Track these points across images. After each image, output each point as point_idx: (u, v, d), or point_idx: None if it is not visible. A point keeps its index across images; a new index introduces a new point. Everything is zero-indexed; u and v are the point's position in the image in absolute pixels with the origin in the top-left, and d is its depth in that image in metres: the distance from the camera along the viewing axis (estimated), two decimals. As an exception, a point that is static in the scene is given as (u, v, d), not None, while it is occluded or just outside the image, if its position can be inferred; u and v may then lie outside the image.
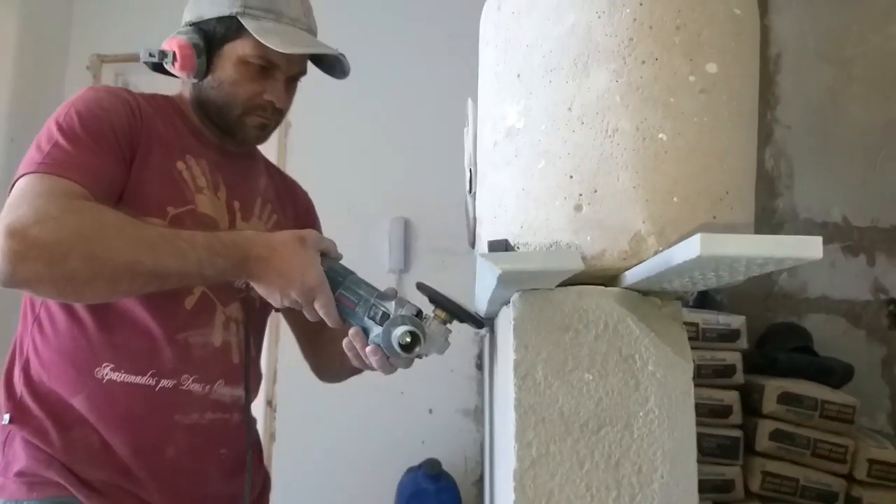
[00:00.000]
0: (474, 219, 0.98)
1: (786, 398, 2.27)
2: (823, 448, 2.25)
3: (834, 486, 2.24)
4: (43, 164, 0.95)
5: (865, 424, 2.49)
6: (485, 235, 0.83)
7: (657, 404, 0.70)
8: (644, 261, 0.72)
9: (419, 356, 1.00)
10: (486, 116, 0.86)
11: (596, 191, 0.74)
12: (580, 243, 0.74)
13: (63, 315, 1.05)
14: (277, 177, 1.33)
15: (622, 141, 0.73)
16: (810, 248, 0.49)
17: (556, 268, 0.57)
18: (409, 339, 0.95)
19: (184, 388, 1.06)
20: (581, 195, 0.74)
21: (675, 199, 0.73)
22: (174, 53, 1.12)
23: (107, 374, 1.03)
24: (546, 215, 0.76)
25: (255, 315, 1.15)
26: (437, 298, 0.98)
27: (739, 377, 2.32)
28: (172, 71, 1.14)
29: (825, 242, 2.62)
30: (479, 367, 2.71)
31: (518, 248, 0.77)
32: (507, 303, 0.80)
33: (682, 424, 0.70)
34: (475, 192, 0.97)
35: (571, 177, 0.75)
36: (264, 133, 1.19)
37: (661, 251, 0.73)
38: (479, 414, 2.70)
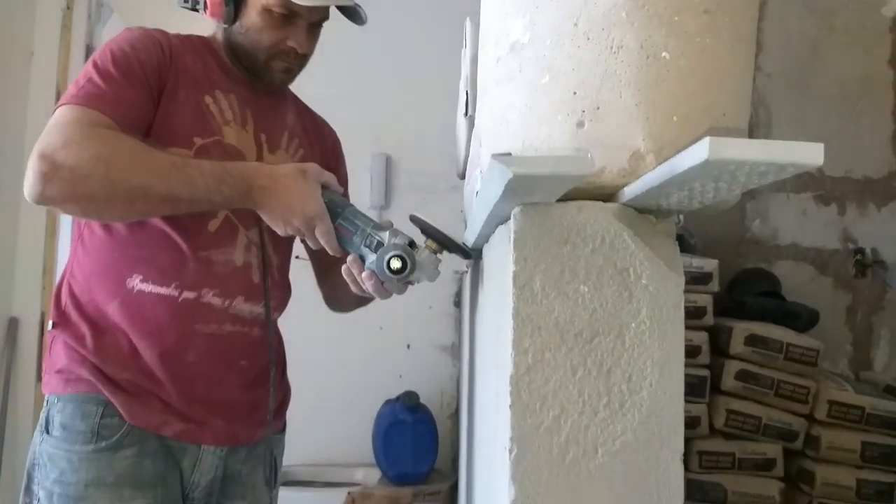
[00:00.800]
0: (467, 145, 0.99)
1: (752, 340, 2.34)
2: (786, 389, 2.33)
3: (794, 426, 2.34)
4: (76, 97, 1.05)
5: (828, 368, 2.58)
6: (486, 152, 0.83)
7: (648, 316, 0.72)
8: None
9: (411, 282, 1.08)
10: (489, 32, 0.86)
11: (598, 108, 0.75)
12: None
13: (101, 231, 1.16)
14: (306, 114, 1.40)
15: (626, 58, 0.74)
16: (812, 154, 0.51)
17: (568, 172, 0.59)
18: (399, 265, 1.02)
19: (204, 300, 1.15)
20: (584, 112, 0.75)
21: (674, 118, 0.74)
22: (205, 1, 1.20)
23: (136, 285, 1.13)
24: (548, 132, 0.77)
25: (277, 239, 1.20)
26: (428, 229, 1.05)
27: (709, 319, 2.38)
28: (203, 16, 1.22)
29: (798, 191, 2.69)
30: (457, 304, 2.75)
31: (519, 162, 0.78)
32: (503, 222, 0.82)
33: (672, 335, 0.72)
34: (471, 115, 0.98)
35: (575, 93, 0.75)
36: (289, 76, 1.26)
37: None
38: (455, 350, 2.75)
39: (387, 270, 1.03)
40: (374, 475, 2.56)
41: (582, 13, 0.75)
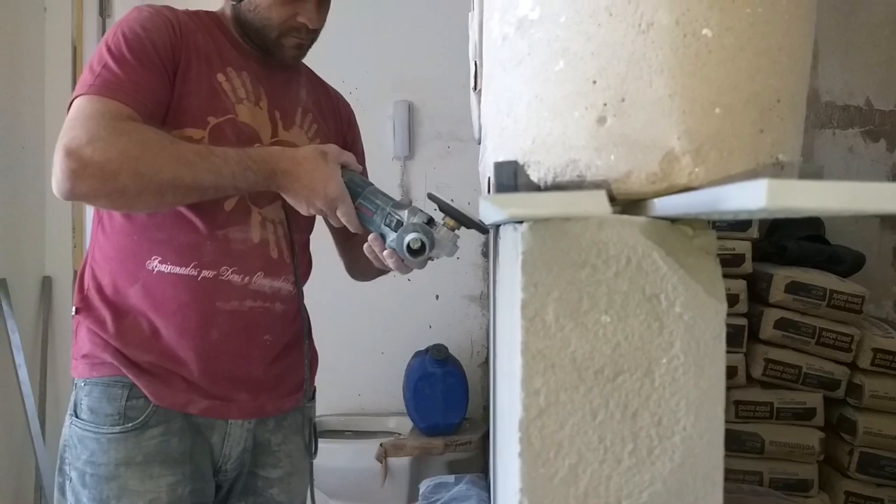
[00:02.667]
0: (479, 119, 0.87)
1: (793, 287, 2.23)
2: (829, 337, 2.23)
3: (836, 374, 2.24)
4: (94, 87, 1.05)
5: (872, 312, 2.45)
6: (490, 150, 0.71)
7: (683, 350, 0.61)
8: (676, 185, 0.62)
9: (430, 258, 1.11)
10: (495, 3, 0.72)
11: (624, 99, 0.62)
12: (601, 163, 0.63)
13: (120, 216, 1.17)
14: (319, 88, 1.39)
15: (658, 38, 0.61)
16: (900, 199, 0.39)
17: (577, 214, 0.47)
18: (418, 245, 1.06)
19: (223, 278, 1.17)
20: (606, 105, 0.62)
21: (717, 109, 0.61)
22: None
23: (156, 266, 1.15)
24: (563, 128, 0.64)
25: (298, 217, 1.22)
26: (445, 208, 1.08)
27: (748, 266, 2.26)
28: None
29: (844, 127, 2.50)
30: (485, 254, 2.66)
31: (528, 167, 0.66)
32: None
33: (711, 372, 0.62)
34: (480, 91, 0.85)
35: (595, 82, 0.62)
36: (301, 52, 1.26)
37: (697, 172, 0.62)
38: (484, 299, 2.68)
39: (406, 252, 1.06)
40: (406, 424, 2.55)
41: (603, -18, 0.61)
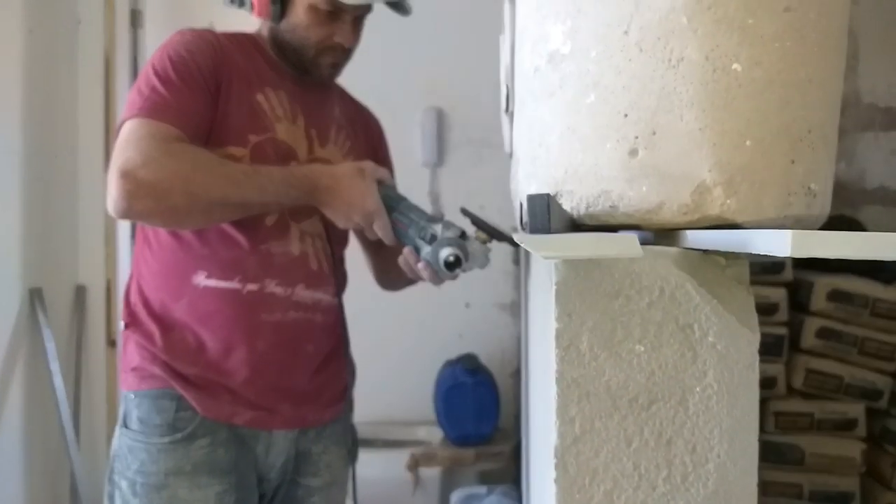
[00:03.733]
0: (511, 135, 0.88)
1: (835, 296, 2.18)
2: (871, 346, 2.18)
3: (879, 384, 2.20)
4: (143, 109, 1.11)
5: (917, 320, 2.40)
6: (523, 178, 0.73)
7: (716, 379, 0.62)
8: (708, 216, 0.63)
9: (463, 271, 1.14)
10: (526, 35, 0.74)
11: (654, 133, 0.63)
12: (633, 194, 0.64)
13: (166, 234, 1.21)
14: (350, 104, 1.44)
15: (688, 73, 0.62)
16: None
17: (611, 255, 0.49)
18: (452, 260, 1.09)
19: (267, 291, 1.21)
20: (637, 137, 0.64)
21: (747, 142, 0.62)
22: (252, 1, 1.23)
23: (202, 281, 1.19)
24: (595, 160, 0.66)
25: (334, 230, 1.28)
26: (477, 222, 1.12)
27: (788, 274, 2.23)
28: (251, 16, 1.25)
29: (888, 129, 2.45)
30: (516, 262, 2.66)
31: (561, 197, 0.67)
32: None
33: (744, 401, 0.62)
34: (512, 113, 0.86)
35: (626, 115, 0.64)
36: (336, 70, 1.31)
37: (728, 203, 0.63)
38: (515, 308, 2.68)
39: (443, 267, 1.09)
40: (436, 433, 2.55)
41: (633, 19, 0.63)
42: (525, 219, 0.67)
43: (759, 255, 0.49)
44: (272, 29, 1.27)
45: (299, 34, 1.23)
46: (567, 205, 0.68)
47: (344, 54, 1.28)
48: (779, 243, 0.40)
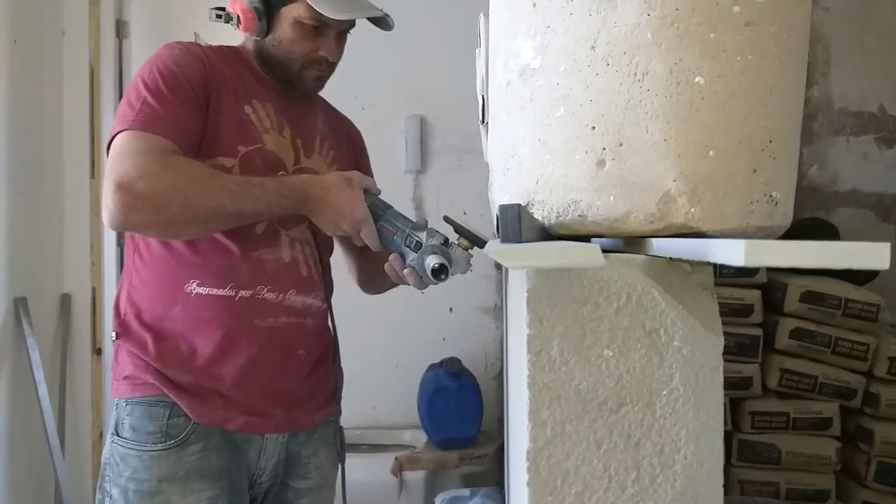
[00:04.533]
0: (487, 148, 0.90)
1: (808, 296, 2.22)
2: (844, 346, 2.22)
3: (853, 383, 2.23)
4: (136, 122, 1.12)
5: (888, 321, 2.45)
6: (496, 188, 0.75)
7: (682, 382, 0.64)
8: (673, 224, 0.65)
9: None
10: (498, 50, 0.76)
11: (621, 144, 0.65)
12: (601, 204, 0.66)
13: (156, 244, 1.22)
14: (332, 115, 1.47)
15: (653, 86, 0.64)
16: (875, 257, 0.41)
17: (574, 265, 0.50)
18: (438, 267, 1.11)
19: (259, 297, 1.22)
20: (604, 149, 0.66)
21: (710, 152, 0.64)
22: (238, 16, 1.25)
23: (194, 289, 1.20)
24: (564, 171, 0.68)
25: (321, 237, 1.32)
26: (460, 229, 1.15)
27: (762, 276, 2.26)
28: (237, 31, 1.28)
29: (859, 133, 2.50)
30: (499, 267, 2.68)
31: (532, 207, 0.69)
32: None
33: (709, 403, 0.64)
34: (488, 124, 0.88)
35: (594, 127, 0.66)
36: (321, 83, 1.34)
37: (693, 212, 0.65)
38: (498, 312, 2.70)
39: (430, 274, 1.12)
40: (420, 437, 2.56)
41: (600, 34, 0.65)
42: (498, 231, 0.69)
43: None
44: (257, 43, 1.29)
45: (285, 48, 1.26)
46: (538, 214, 0.70)
47: (328, 67, 1.31)
48: (733, 253, 0.42)
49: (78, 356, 2.76)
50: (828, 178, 2.52)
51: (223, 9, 1.27)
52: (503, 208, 0.64)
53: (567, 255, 0.51)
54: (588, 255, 0.51)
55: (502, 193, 0.75)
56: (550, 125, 0.68)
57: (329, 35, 1.26)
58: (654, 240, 0.64)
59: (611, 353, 0.65)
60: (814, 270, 2.33)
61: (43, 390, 2.49)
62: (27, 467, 2.55)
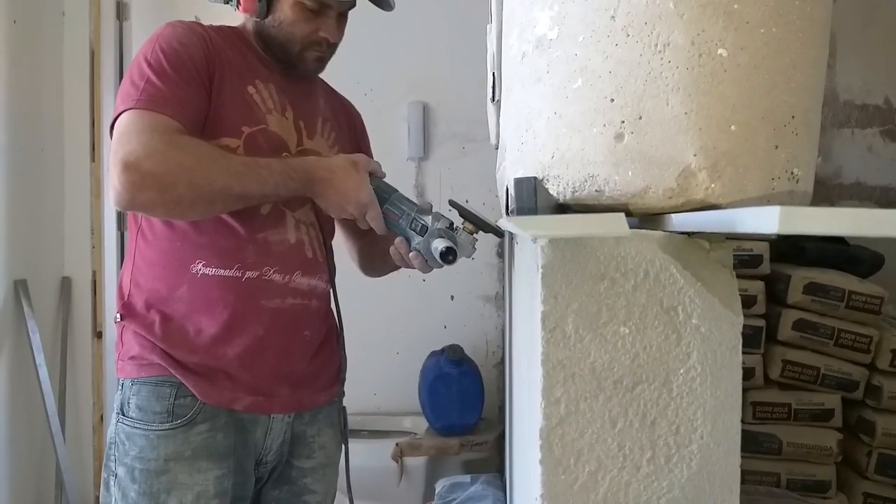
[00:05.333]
0: (497, 128, 0.89)
1: (812, 288, 2.21)
2: (847, 338, 2.21)
3: (855, 375, 2.23)
4: (141, 101, 1.10)
5: (891, 314, 2.44)
6: (510, 164, 0.73)
7: (700, 360, 0.63)
8: (693, 200, 0.64)
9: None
10: (513, 21, 0.74)
11: (641, 117, 0.64)
12: (619, 178, 0.65)
13: (161, 224, 1.21)
14: (332, 96, 1.46)
15: (674, 58, 0.62)
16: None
17: (598, 233, 0.49)
18: (445, 250, 1.12)
19: (266, 278, 1.22)
20: (623, 122, 0.64)
21: (732, 126, 0.63)
22: None
23: (200, 270, 1.20)
24: (581, 144, 0.66)
25: (324, 220, 1.32)
26: (465, 214, 1.15)
27: (766, 267, 2.25)
28: (236, 12, 1.27)
29: (863, 126, 2.49)
30: (500, 255, 2.67)
31: (547, 182, 0.68)
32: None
33: (727, 382, 0.63)
34: (499, 101, 0.87)
35: (612, 100, 0.64)
36: (321, 65, 1.33)
37: (713, 188, 0.64)
38: (499, 300, 2.69)
39: (438, 258, 1.13)
40: (421, 424, 2.56)
41: (620, 4, 0.63)
42: (511, 203, 0.67)
43: (745, 236, 0.50)
44: (257, 24, 1.28)
45: (285, 30, 1.25)
46: (553, 189, 0.69)
47: (329, 49, 1.30)
48: (766, 220, 0.41)
49: (78, 339, 2.75)
50: (832, 170, 2.50)
51: None
52: (518, 181, 0.62)
53: (590, 223, 0.50)
54: (612, 223, 0.50)
55: (516, 169, 0.73)
56: (567, 98, 0.66)
57: (329, 16, 1.25)
58: (673, 215, 0.63)
59: (627, 331, 0.63)
60: (817, 262, 2.32)
61: (43, 373, 2.49)
62: (28, 450, 2.55)
